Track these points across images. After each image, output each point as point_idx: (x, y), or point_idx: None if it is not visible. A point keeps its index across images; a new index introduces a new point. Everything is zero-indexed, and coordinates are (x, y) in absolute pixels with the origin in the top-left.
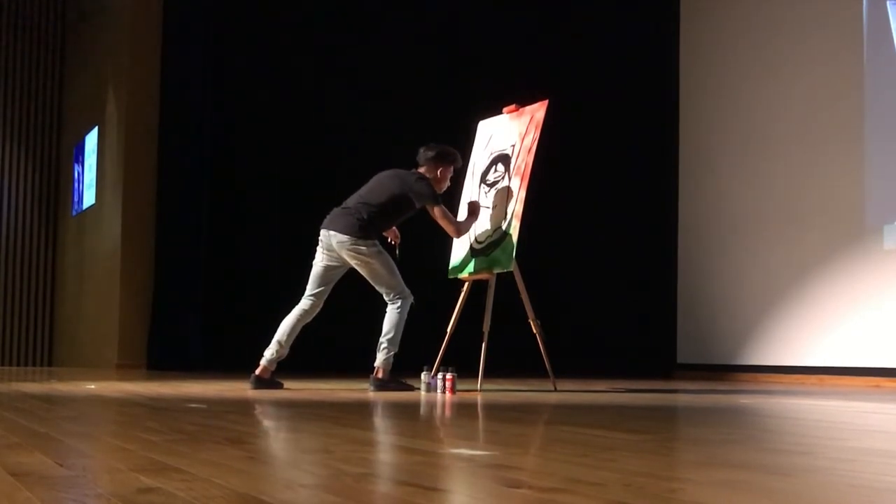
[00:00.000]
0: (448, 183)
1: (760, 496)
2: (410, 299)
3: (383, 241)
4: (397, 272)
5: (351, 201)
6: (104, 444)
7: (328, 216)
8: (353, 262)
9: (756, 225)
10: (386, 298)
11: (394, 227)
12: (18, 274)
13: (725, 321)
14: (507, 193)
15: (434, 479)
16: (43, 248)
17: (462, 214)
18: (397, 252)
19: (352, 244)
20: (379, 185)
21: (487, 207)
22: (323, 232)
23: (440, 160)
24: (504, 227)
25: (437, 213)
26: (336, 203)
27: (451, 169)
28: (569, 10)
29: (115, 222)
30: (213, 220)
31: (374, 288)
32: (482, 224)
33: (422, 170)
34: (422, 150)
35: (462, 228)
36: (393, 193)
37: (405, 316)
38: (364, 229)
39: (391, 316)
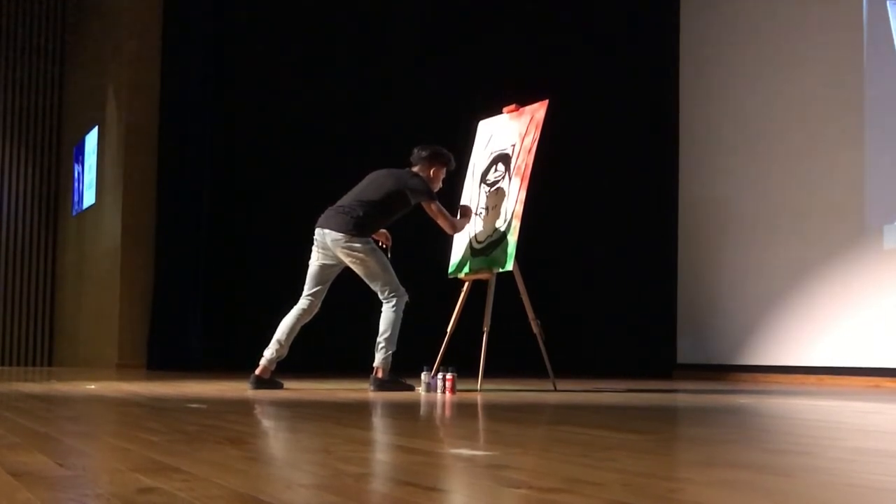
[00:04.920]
0: (441, 184)
1: (760, 496)
2: (405, 297)
3: (375, 242)
4: (392, 270)
5: (345, 200)
6: (104, 444)
7: (322, 215)
8: (347, 261)
9: (756, 225)
10: (381, 297)
11: (385, 231)
12: (18, 274)
13: (725, 321)
14: (504, 194)
15: (434, 479)
16: (43, 248)
17: (458, 218)
18: (388, 255)
19: (346, 242)
20: (373, 183)
21: (487, 208)
22: (318, 231)
23: (433, 160)
24: (503, 228)
25: (433, 208)
26: (335, 202)
27: (444, 170)
28: (569, 9)
29: (115, 222)
30: (213, 219)
31: (370, 287)
32: (482, 225)
33: (415, 169)
34: (416, 150)
35: (458, 225)
36: (389, 190)
37: (401, 314)
38: (359, 227)
39: (387, 315)
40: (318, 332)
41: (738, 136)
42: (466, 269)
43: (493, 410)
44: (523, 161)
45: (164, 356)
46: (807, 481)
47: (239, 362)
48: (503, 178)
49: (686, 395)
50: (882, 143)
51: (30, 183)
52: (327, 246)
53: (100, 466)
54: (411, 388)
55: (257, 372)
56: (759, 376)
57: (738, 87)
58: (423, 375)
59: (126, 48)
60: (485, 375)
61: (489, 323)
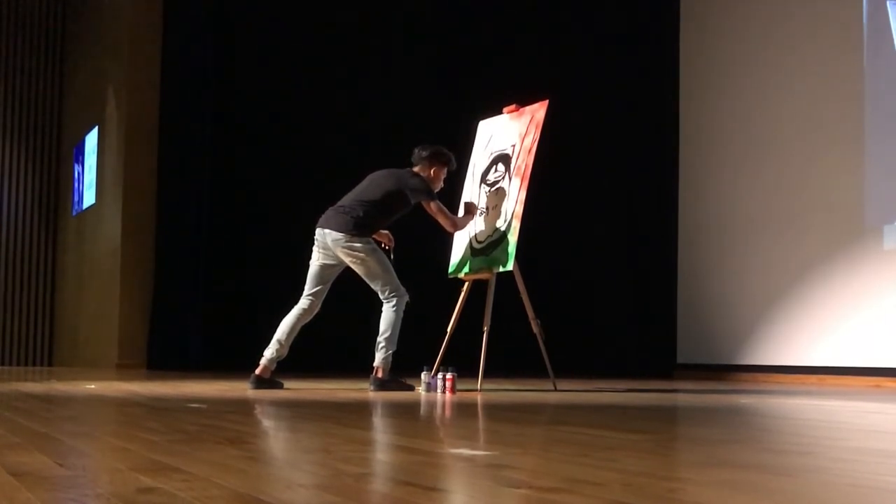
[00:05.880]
0: (441, 184)
1: (760, 496)
2: (406, 297)
3: (378, 244)
4: (392, 270)
5: (346, 200)
6: (104, 444)
7: (323, 215)
8: (347, 260)
9: (756, 225)
10: (381, 297)
11: (387, 232)
12: (18, 274)
13: (725, 321)
14: (504, 194)
15: (434, 479)
16: (43, 248)
17: (460, 215)
18: (391, 256)
19: (346, 241)
20: (374, 183)
21: (487, 208)
22: (318, 231)
23: (434, 160)
24: (503, 228)
25: (433, 207)
26: (335, 202)
27: (445, 170)
28: (569, 9)
29: (115, 222)
30: (213, 219)
31: (371, 287)
32: (482, 224)
33: (416, 169)
34: (416, 150)
35: (459, 224)
36: (388, 190)
37: (401, 314)
38: (359, 227)
39: (387, 315)
40: (318, 332)
41: (738, 137)
42: (466, 269)
43: (493, 410)
44: (523, 161)
45: (164, 356)
46: (808, 481)
47: (239, 362)
48: (503, 178)
49: (686, 395)
50: (882, 144)
51: (30, 183)
52: (328, 246)
53: (100, 466)
54: (411, 388)
55: (257, 372)
56: (760, 376)
57: (738, 87)
58: (423, 375)
59: (126, 48)
60: (485, 375)
61: (489, 323)
